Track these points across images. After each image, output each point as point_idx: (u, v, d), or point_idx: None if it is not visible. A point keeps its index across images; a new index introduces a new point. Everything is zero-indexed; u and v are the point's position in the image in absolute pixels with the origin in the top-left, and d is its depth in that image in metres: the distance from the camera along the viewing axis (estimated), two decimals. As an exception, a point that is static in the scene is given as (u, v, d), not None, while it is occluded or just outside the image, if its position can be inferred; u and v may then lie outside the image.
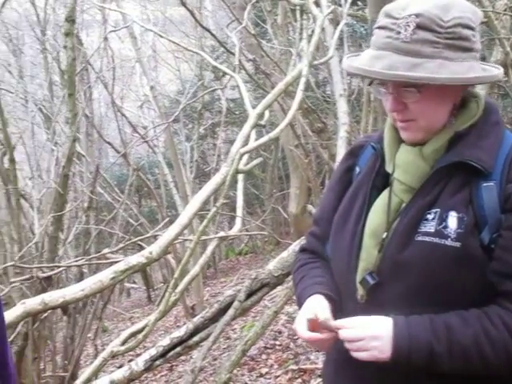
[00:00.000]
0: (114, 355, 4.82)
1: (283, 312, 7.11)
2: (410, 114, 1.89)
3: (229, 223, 17.93)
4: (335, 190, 2.19)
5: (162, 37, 10.34)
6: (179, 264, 4.97)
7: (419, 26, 1.80)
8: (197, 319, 5.29)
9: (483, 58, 6.25)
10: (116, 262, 4.84)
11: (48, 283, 5.95)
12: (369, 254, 1.95)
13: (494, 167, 1.85)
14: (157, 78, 17.79)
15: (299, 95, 5.34)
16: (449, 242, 1.81)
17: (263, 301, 6.99)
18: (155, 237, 6.27)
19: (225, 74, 11.28)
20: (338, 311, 1.99)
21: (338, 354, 1.98)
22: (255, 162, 5.91)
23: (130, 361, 6.84)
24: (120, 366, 7.37)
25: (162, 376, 7.96)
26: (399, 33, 1.81)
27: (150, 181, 14.56)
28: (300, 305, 2.08)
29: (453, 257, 1.80)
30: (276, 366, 6.73)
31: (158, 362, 5.04)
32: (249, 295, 5.25)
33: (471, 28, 1.84)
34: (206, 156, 18.95)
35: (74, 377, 6.55)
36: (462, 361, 1.80)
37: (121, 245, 7.42)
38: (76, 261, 7.11)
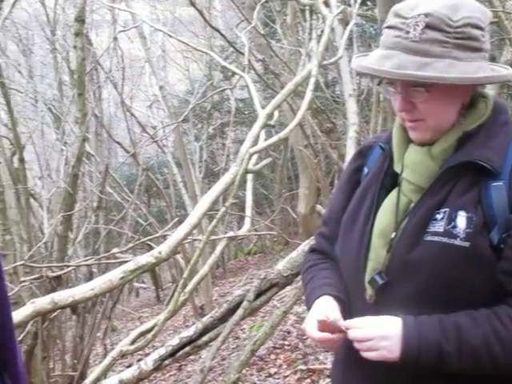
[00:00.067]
0: (123, 354, 4.83)
1: (292, 312, 7.10)
2: (418, 113, 1.89)
3: (238, 223, 17.92)
4: (344, 191, 2.20)
5: (171, 37, 10.35)
6: (188, 264, 4.98)
7: (428, 26, 1.80)
8: (206, 319, 5.30)
9: (493, 58, 6.24)
10: (125, 262, 4.85)
11: (57, 283, 5.96)
12: (377, 254, 1.95)
13: (503, 167, 1.85)
14: (166, 78, 17.78)
15: (309, 95, 5.35)
16: (458, 242, 1.81)
17: (272, 301, 7.00)
18: (164, 236, 6.27)
19: (234, 73, 11.31)
20: (347, 312, 1.99)
21: (347, 355, 1.99)
22: (265, 162, 5.91)
23: (139, 360, 6.85)
24: (129, 366, 7.37)
25: (171, 376, 7.97)
26: (408, 32, 1.81)
27: (159, 181, 14.59)
28: (309, 306, 2.09)
29: (462, 256, 1.80)
30: (285, 366, 6.73)
31: (167, 362, 5.05)
32: (258, 295, 5.25)
33: (480, 28, 1.84)
34: (215, 156, 18.95)
35: (83, 376, 6.57)
36: (471, 360, 1.80)
37: (130, 244, 7.44)
38: (85, 260, 7.13)
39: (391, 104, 1.98)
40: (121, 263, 5.23)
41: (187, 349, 5.10)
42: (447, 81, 1.79)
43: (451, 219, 1.83)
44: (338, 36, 7.78)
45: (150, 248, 6.99)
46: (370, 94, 9.68)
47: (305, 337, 6.85)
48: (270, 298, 5.60)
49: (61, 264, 6.37)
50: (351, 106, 7.14)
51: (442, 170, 1.89)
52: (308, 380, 6.12)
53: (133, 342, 4.82)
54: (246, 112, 16.90)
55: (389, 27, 1.88)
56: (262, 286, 5.27)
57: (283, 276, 5.33)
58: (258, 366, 6.93)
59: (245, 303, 5.11)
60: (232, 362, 6.31)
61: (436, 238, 1.84)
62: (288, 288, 6.58)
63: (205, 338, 5.16)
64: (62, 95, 14.57)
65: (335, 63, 7.45)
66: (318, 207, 10.90)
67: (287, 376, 6.43)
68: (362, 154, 2.20)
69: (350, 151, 6.44)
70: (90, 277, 7.90)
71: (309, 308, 2.08)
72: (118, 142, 14.17)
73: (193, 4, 9.17)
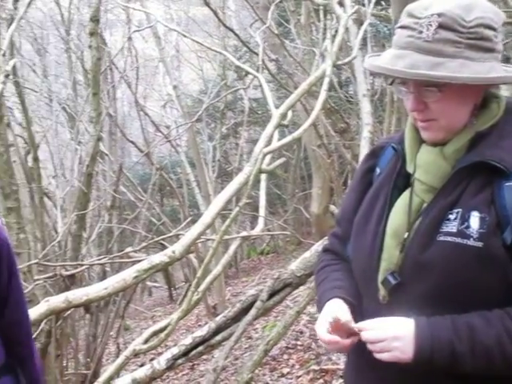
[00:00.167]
0: (136, 353, 4.85)
1: (305, 312, 7.10)
2: (430, 113, 1.88)
3: (250, 223, 17.92)
4: (356, 191, 2.20)
5: (185, 36, 10.36)
6: (201, 263, 4.99)
7: (441, 26, 1.80)
8: (219, 318, 5.30)
9: (507, 59, 6.21)
10: (138, 261, 4.87)
11: (71, 281, 5.98)
12: (390, 255, 1.95)
13: (516, 167, 1.84)
14: (180, 78, 17.82)
15: (323, 95, 5.35)
16: (471, 242, 1.80)
17: (285, 301, 6.99)
18: (177, 236, 6.28)
19: (248, 73, 11.31)
20: (358, 315, 1.99)
21: (359, 356, 1.98)
22: (278, 161, 5.92)
23: (152, 359, 6.88)
24: (142, 365, 7.39)
25: (184, 375, 7.98)
26: (421, 32, 1.81)
27: (172, 180, 14.60)
28: (319, 308, 2.09)
29: (475, 257, 1.79)
30: (297, 366, 6.72)
31: (179, 361, 5.06)
32: (271, 295, 5.26)
33: (493, 28, 1.83)
34: (228, 155, 18.97)
35: (96, 375, 6.59)
36: (484, 361, 1.79)
37: (143, 244, 7.46)
38: (99, 259, 7.14)
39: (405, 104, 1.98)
40: (134, 262, 5.25)
41: (200, 348, 5.11)
42: (460, 80, 1.78)
43: (464, 219, 1.83)
44: (352, 36, 7.76)
45: (163, 247, 7.01)
46: (384, 94, 9.66)
47: (318, 337, 6.85)
48: (284, 298, 5.61)
49: (74, 263, 6.40)
50: (365, 106, 7.13)
51: (455, 170, 1.88)
52: (321, 380, 6.12)
53: (146, 341, 4.84)
54: (260, 112, 16.91)
55: (402, 27, 1.88)
56: (275, 286, 5.28)
57: (297, 276, 5.33)
58: (270, 365, 6.93)
59: (258, 303, 5.11)
60: (245, 362, 6.32)
61: (449, 238, 1.83)
62: (301, 288, 6.59)
63: (218, 338, 5.17)
64: (77, 94, 14.64)
65: (349, 63, 7.43)
66: (332, 207, 10.89)
67: (300, 376, 6.43)
68: (374, 154, 2.20)
69: (364, 151, 6.42)
70: (103, 276, 7.92)
71: (320, 310, 2.08)
72: (132, 142, 14.20)
73: (207, 4, 9.18)
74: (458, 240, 1.81)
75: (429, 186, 1.93)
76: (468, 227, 1.82)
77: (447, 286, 1.83)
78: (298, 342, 7.38)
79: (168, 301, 15.43)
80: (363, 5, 8.00)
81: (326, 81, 5.34)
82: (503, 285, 1.80)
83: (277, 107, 5.40)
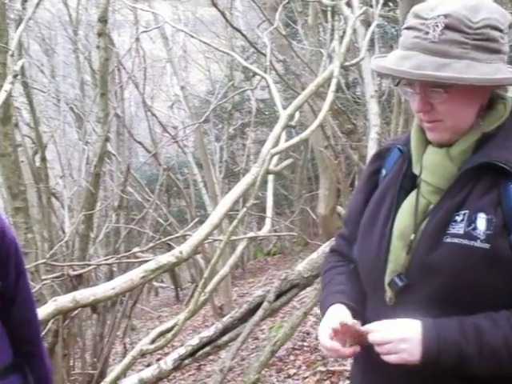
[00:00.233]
0: (143, 353, 4.86)
1: (312, 313, 7.09)
2: (436, 114, 1.88)
3: (257, 223, 17.93)
4: (363, 192, 2.20)
5: (192, 37, 10.37)
6: (208, 264, 4.99)
7: (448, 27, 1.80)
8: (226, 319, 5.31)
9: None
10: (145, 261, 4.87)
11: (78, 281, 5.99)
12: (397, 256, 1.95)
13: (523, 168, 1.84)
14: (187, 78, 17.86)
15: (330, 96, 5.35)
16: (478, 244, 1.80)
17: (292, 302, 6.99)
18: (184, 236, 6.29)
19: (255, 74, 11.31)
20: (360, 320, 1.98)
21: (366, 357, 1.98)
22: (285, 162, 5.93)
23: (159, 359, 6.88)
24: (148, 365, 7.41)
25: (190, 375, 7.99)
26: (427, 33, 1.81)
27: (179, 180, 14.61)
28: (323, 312, 2.09)
29: (482, 258, 1.79)
30: (304, 368, 6.72)
31: (186, 361, 5.07)
32: (278, 296, 5.26)
33: (499, 30, 1.83)
34: (235, 156, 18.96)
35: (102, 375, 6.60)
36: (492, 362, 1.79)
37: (151, 244, 7.46)
38: (106, 259, 7.16)
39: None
40: (141, 262, 5.25)
41: (207, 349, 5.12)
42: (466, 81, 1.78)
43: (471, 221, 1.82)
44: (359, 37, 7.76)
45: (170, 248, 7.02)
46: (391, 96, 9.65)
47: (319, 343, 6.84)
48: (291, 299, 5.61)
49: (82, 263, 6.41)
50: (373, 108, 7.13)
51: (461, 171, 1.88)
52: (327, 381, 6.12)
53: (153, 342, 4.85)
54: (267, 112, 16.90)
55: (408, 28, 1.88)
56: (282, 287, 5.28)
57: (303, 277, 5.33)
58: (277, 366, 6.93)
59: (265, 304, 5.11)
60: (252, 363, 6.32)
61: (456, 240, 1.83)
62: (308, 289, 6.58)
63: (225, 338, 5.18)
64: (84, 95, 14.68)
65: (357, 64, 7.43)
66: (339, 208, 10.89)
67: (306, 377, 6.43)
68: (380, 156, 2.20)
69: (371, 152, 6.42)
70: (110, 276, 7.94)
71: (323, 314, 2.08)
72: (140, 142, 14.21)
73: (214, 4, 9.17)
74: (465, 242, 1.81)
75: (435, 187, 1.93)
76: (475, 229, 1.81)
77: (454, 288, 1.82)
78: (305, 343, 7.38)
79: (174, 301, 15.45)
80: (371, 6, 8.00)
81: (334, 82, 5.34)
82: (510, 286, 1.80)
83: (284, 108, 5.40)
